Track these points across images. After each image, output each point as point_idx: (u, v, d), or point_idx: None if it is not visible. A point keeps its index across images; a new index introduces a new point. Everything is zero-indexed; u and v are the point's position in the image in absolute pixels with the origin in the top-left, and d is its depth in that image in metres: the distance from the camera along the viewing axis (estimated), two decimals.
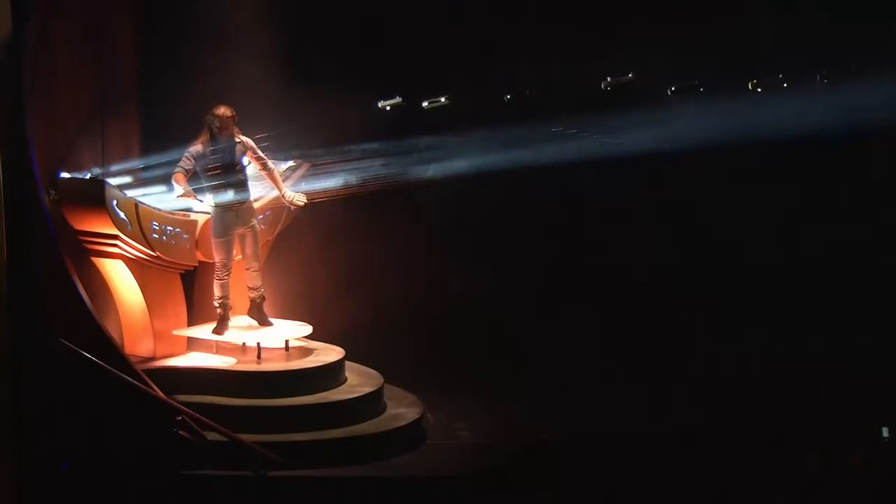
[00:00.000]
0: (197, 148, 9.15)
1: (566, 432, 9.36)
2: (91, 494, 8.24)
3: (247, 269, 9.53)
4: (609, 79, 11.17)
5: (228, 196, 9.22)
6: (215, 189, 9.20)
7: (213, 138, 9.17)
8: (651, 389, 10.21)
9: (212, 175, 9.18)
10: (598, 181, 11.15)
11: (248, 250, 9.49)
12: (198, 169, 9.15)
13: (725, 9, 10.60)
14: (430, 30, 10.78)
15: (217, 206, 9.23)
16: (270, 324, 9.66)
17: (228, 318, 9.53)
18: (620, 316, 11.13)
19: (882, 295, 10.87)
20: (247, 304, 9.84)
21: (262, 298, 9.64)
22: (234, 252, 9.46)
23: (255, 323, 9.69)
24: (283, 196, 9.45)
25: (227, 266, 9.41)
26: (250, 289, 9.57)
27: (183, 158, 9.11)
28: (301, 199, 9.48)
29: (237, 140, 9.28)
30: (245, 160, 9.36)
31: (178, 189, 9.05)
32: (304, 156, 10.18)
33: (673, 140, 10.74)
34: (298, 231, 10.53)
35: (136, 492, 8.19)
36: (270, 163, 9.43)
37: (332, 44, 10.57)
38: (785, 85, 11.04)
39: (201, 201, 9.19)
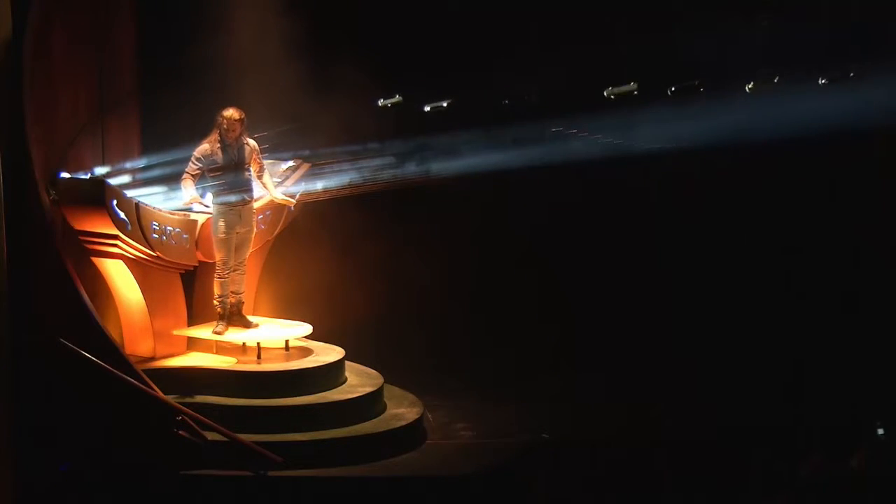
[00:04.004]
0: (204, 148, 9.18)
1: (565, 432, 9.38)
2: (91, 494, 8.24)
3: (232, 272, 9.51)
4: (611, 88, 11.18)
5: (233, 196, 9.24)
6: (220, 188, 9.21)
7: (221, 139, 9.20)
8: (649, 390, 10.23)
9: (218, 175, 9.20)
10: (599, 181, 11.16)
11: (242, 251, 9.50)
12: (204, 169, 9.18)
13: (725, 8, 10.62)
14: (432, 31, 10.79)
15: (221, 205, 9.24)
16: (256, 325, 9.67)
17: (228, 318, 9.54)
18: (620, 316, 11.14)
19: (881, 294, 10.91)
20: (254, 303, 9.85)
21: (242, 303, 9.65)
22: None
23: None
24: (273, 198, 9.55)
25: (227, 264, 9.42)
26: (232, 293, 9.56)
27: (190, 162, 9.15)
28: (290, 200, 9.61)
29: (245, 142, 9.30)
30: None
31: (186, 194, 9.08)
32: (304, 155, 10.19)
33: (673, 140, 10.76)
34: (299, 231, 10.54)
35: (136, 492, 8.18)
36: (266, 172, 9.54)
37: (334, 43, 10.57)
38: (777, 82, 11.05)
39: (207, 206, 9.20)
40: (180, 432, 8.25)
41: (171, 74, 10.02)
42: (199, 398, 8.79)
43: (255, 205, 9.59)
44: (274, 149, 10.07)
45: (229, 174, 9.23)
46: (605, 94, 11.13)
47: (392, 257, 11.04)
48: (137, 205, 8.94)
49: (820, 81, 10.85)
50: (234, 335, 9.49)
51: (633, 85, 11.06)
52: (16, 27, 8.35)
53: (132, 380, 8.39)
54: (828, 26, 10.46)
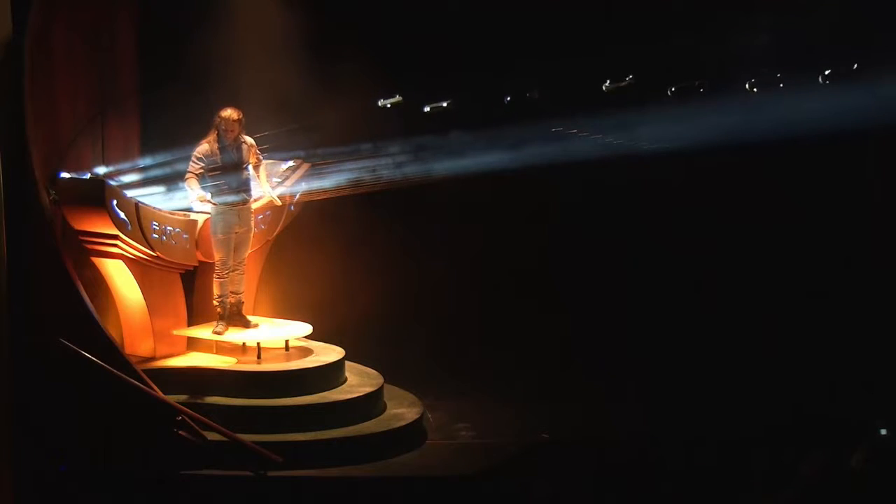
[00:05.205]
0: (204, 148, 9.19)
1: (565, 432, 9.38)
2: (91, 495, 8.24)
3: (232, 272, 9.51)
4: (608, 82, 11.16)
5: (232, 196, 9.24)
6: (219, 188, 9.21)
7: (219, 139, 9.20)
8: (650, 390, 10.23)
9: (217, 175, 9.20)
10: (599, 181, 11.16)
11: (241, 251, 9.51)
12: (204, 168, 9.17)
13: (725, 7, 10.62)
14: (432, 30, 10.79)
15: (220, 205, 9.24)
16: (255, 325, 9.67)
17: (228, 318, 9.54)
18: (621, 316, 11.14)
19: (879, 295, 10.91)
20: (254, 303, 9.83)
21: (242, 303, 9.66)
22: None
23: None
24: (264, 192, 9.52)
25: (227, 264, 9.42)
26: (231, 293, 9.56)
27: (191, 162, 9.15)
28: (278, 201, 9.59)
29: (242, 140, 9.30)
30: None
31: (194, 193, 9.08)
32: (304, 155, 10.19)
33: (673, 140, 10.77)
34: (299, 231, 10.53)
35: (136, 492, 8.18)
36: (263, 166, 9.55)
37: (334, 43, 10.57)
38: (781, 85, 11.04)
39: (216, 204, 9.19)
40: (180, 432, 8.25)
41: (171, 74, 10.02)
42: (199, 398, 8.79)
43: (255, 205, 9.60)
44: (274, 149, 10.07)
45: (228, 174, 9.23)
46: (603, 88, 11.11)
47: (392, 257, 11.03)
48: (137, 205, 8.94)
49: (821, 80, 10.85)
50: (234, 335, 9.49)
51: (630, 79, 11.05)
52: (16, 27, 8.35)
53: (132, 380, 8.39)
54: (829, 25, 10.46)
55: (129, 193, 9.06)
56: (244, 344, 9.45)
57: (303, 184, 10.06)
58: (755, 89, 11.13)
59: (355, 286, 10.86)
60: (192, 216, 9.53)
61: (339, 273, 10.84)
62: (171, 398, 8.55)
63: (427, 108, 11.21)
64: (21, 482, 8.19)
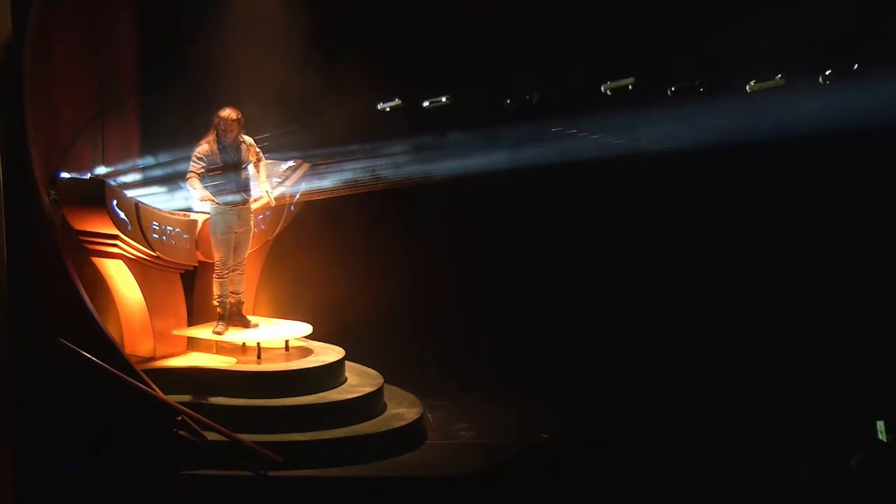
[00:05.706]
0: (203, 148, 9.18)
1: (565, 432, 9.38)
2: (91, 494, 8.24)
3: (231, 272, 9.52)
4: (609, 83, 11.16)
5: (232, 196, 9.24)
6: (219, 188, 9.21)
7: (218, 139, 9.20)
8: (650, 390, 10.23)
9: (216, 175, 9.20)
10: (599, 181, 11.16)
11: (241, 251, 9.51)
12: (204, 168, 9.17)
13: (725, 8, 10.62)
14: (432, 30, 10.79)
15: (220, 204, 9.24)
16: (255, 325, 9.67)
17: (228, 318, 9.54)
18: (621, 316, 11.14)
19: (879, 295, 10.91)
20: (254, 303, 9.84)
21: (241, 303, 9.66)
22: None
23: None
24: (261, 189, 9.48)
25: (226, 264, 9.43)
26: (231, 293, 9.56)
27: (192, 162, 9.15)
28: (273, 202, 9.53)
29: (241, 140, 9.30)
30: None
31: (197, 193, 9.08)
32: (303, 155, 10.20)
33: (672, 140, 10.77)
34: (299, 231, 10.53)
35: (136, 492, 8.18)
36: (263, 164, 9.52)
37: (335, 43, 10.57)
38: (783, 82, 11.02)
39: (219, 203, 9.19)
40: (180, 432, 8.25)
41: (171, 74, 10.02)
42: (199, 398, 8.79)
43: (254, 205, 9.59)
44: (274, 149, 10.07)
45: (228, 174, 9.23)
46: (602, 89, 11.10)
47: (392, 257, 11.04)
48: (137, 205, 8.95)
49: (821, 80, 10.84)
50: (234, 335, 9.49)
51: (630, 79, 11.04)
52: (16, 27, 8.35)
53: (132, 380, 8.40)
54: (829, 25, 10.46)
55: (129, 193, 9.06)
56: (244, 344, 9.45)
57: (303, 184, 10.06)
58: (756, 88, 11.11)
59: (355, 286, 10.86)
60: (192, 216, 9.53)
61: (339, 273, 10.84)
62: (171, 398, 8.55)
63: (426, 103, 11.19)
64: (21, 482, 8.19)
